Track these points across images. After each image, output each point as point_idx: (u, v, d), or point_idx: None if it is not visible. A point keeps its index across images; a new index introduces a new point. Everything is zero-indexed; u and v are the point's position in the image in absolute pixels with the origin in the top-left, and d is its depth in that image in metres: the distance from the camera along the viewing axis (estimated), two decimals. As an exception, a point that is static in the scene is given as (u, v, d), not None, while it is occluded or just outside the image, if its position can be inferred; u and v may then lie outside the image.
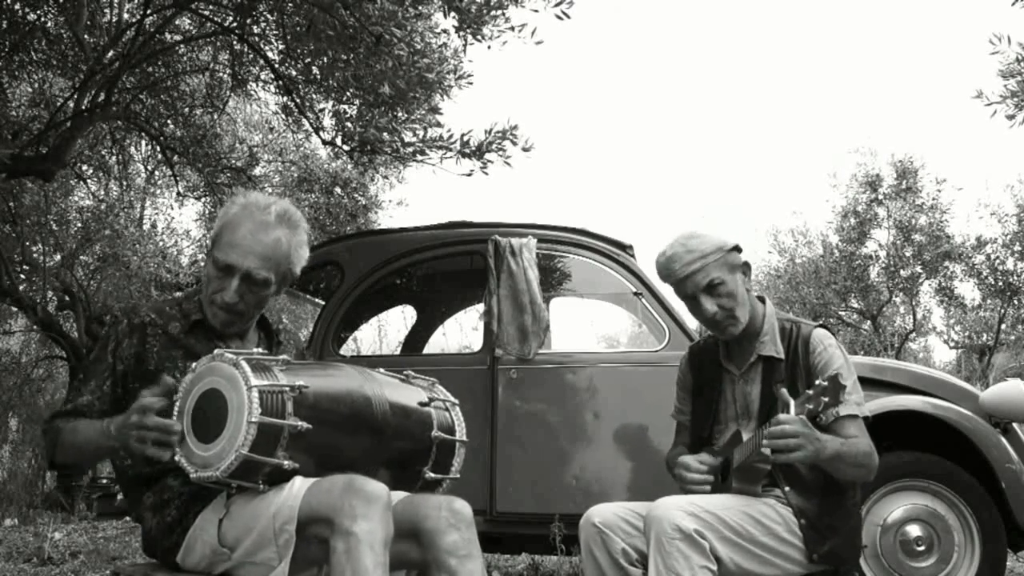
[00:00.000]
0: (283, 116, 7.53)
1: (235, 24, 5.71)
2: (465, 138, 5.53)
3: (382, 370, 2.08)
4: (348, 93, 5.63)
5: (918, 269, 13.27)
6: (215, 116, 7.61)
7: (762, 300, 2.35)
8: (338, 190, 10.40)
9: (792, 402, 1.97)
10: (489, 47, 4.90)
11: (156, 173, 10.57)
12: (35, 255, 8.81)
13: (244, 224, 1.95)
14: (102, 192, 9.85)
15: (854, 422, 2.15)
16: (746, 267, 2.31)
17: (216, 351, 1.74)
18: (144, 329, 1.99)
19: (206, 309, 2.02)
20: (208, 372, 1.73)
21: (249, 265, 1.93)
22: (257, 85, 7.12)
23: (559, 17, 4.67)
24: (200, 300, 2.05)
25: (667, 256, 2.27)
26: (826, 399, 1.91)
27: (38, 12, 6.01)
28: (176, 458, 1.71)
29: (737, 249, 2.29)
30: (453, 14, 4.69)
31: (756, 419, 2.24)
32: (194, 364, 1.77)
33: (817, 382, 1.95)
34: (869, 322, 14.39)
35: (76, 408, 1.93)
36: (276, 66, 5.85)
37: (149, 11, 5.75)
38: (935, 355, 18.59)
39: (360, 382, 1.91)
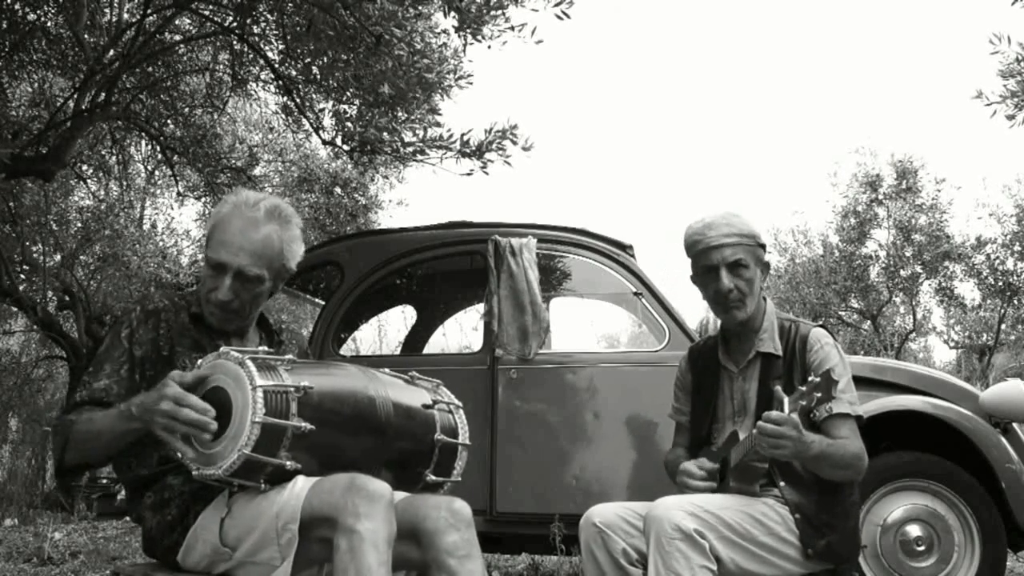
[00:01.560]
0: (283, 116, 7.53)
1: (235, 24, 5.71)
2: (465, 138, 5.53)
3: (387, 371, 2.08)
4: (348, 93, 5.63)
5: (918, 269, 13.27)
6: (215, 116, 7.61)
7: (764, 299, 2.37)
8: (338, 190, 10.40)
9: (786, 399, 1.99)
10: (489, 47, 4.90)
11: (156, 173, 10.57)
12: (35, 255, 8.81)
13: (234, 222, 1.95)
14: (102, 192, 9.85)
15: (846, 423, 2.16)
16: (766, 266, 2.34)
17: (222, 348, 1.74)
18: (158, 315, 2.00)
19: (203, 307, 2.02)
20: (213, 369, 1.73)
21: (240, 262, 1.93)
22: (257, 85, 7.13)
23: (559, 17, 4.67)
24: (200, 296, 2.06)
25: (705, 222, 2.28)
26: (819, 395, 1.93)
27: (38, 12, 6.01)
28: (179, 454, 1.71)
29: (764, 248, 2.32)
30: (453, 14, 4.69)
31: (753, 416, 2.25)
32: (200, 361, 1.77)
33: (810, 378, 1.97)
34: (869, 322, 14.39)
35: (92, 395, 1.88)
36: (276, 66, 5.85)
37: (149, 11, 5.75)
38: (935, 355, 18.60)
39: (364, 383, 1.91)
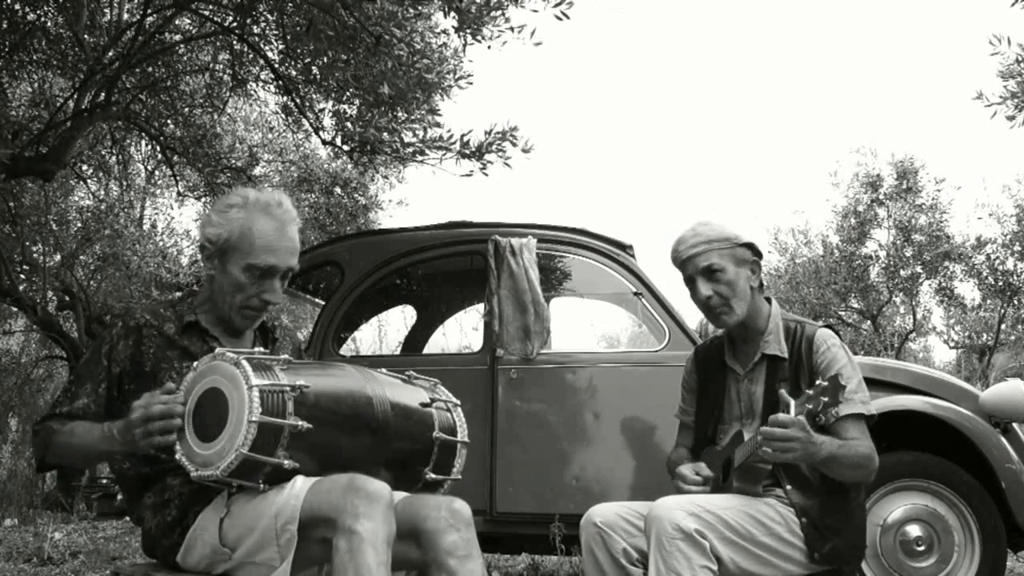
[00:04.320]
0: (283, 116, 7.53)
1: (235, 24, 5.71)
2: (465, 139, 5.53)
3: (384, 370, 2.08)
4: (348, 93, 5.63)
5: (918, 269, 13.26)
6: (215, 116, 7.61)
7: (768, 300, 2.36)
8: (338, 190, 10.41)
9: (792, 402, 1.98)
10: (489, 47, 4.91)
11: (156, 173, 10.57)
12: (35, 255, 8.81)
13: (269, 225, 1.97)
14: (102, 192, 9.85)
15: (856, 424, 2.15)
16: (755, 265, 2.32)
17: (218, 350, 1.75)
18: (140, 331, 1.99)
19: (233, 316, 2.02)
20: (209, 371, 1.73)
21: (289, 263, 2.00)
22: (257, 85, 7.13)
23: (559, 17, 4.67)
24: (192, 303, 2.07)
25: (677, 238, 2.32)
26: (825, 399, 1.92)
27: (38, 12, 6.01)
28: (177, 456, 1.71)
29: (750, 247, 2.30)
30: (453, 14, 4.69)
31: (759, 418, 2.25)
32: (195, 363, 1.78)
33: (817, 382, 1.96)
34: (869, 322, 14.38)
35: (72, 412, 1.92)
36: (276, 66, 5.85)
37: (149, 11, 5.75)
38: (935, 355, 18.59)
39: (361, 382, 1.91)
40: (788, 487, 2.16)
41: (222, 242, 1.97)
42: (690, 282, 2.30)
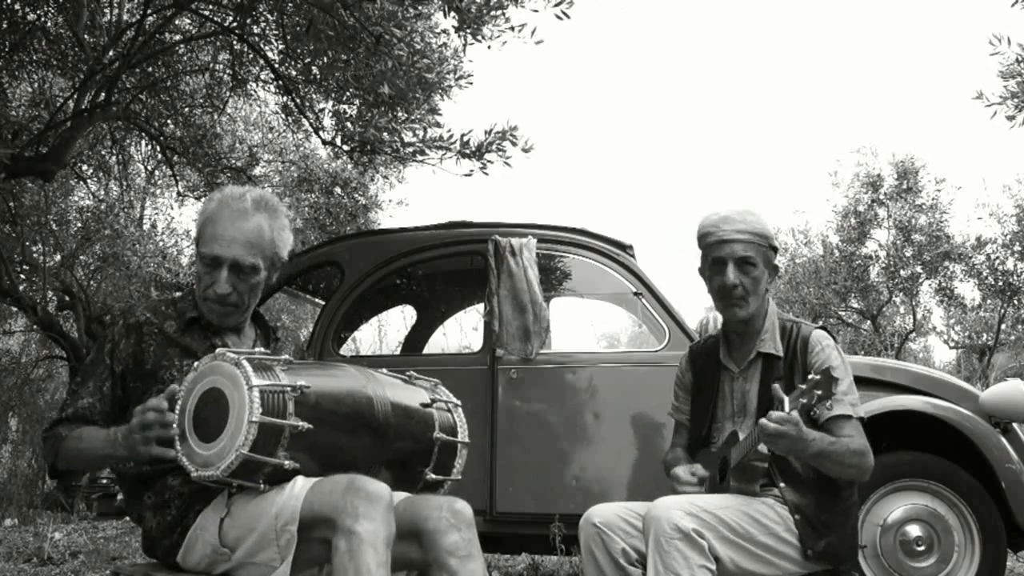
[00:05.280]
0: (283, 116, 7.53)
1: (235, 24, 5.71)
2: (465, 138, 5.53)
3: (384, 371, 2.09)
4: (348, 93, 5.63)
5: (918, 269, 13.26)
6: (215, 116, 7.61)
7: (766, 300, 2.36)
8: (338, 190, 10.41)
9: (786, 398, 1.99)
10: (489, 47, 4.90)
11: (156, 173, 10.56)
12: (35, 255, 8.81)
13: (223, 215, 1.98)
14: (102, 192, 9.84)
15: (850, 423, 2.16)
16: (774, 269, 2.34)
17: (218, 350, 1.75)
18: (140, 329, 2.00)
19: (201, 307, 2.03)
20: (210, 371, 1.74)
21: (235, 254, 1.96)
22: (257, 85, 7.13)
23: (559, 17, 4.67)
24: (194, 299, 2.07)
25: (721, 216, 2.28)
26: (819, 392, 1.93)
27: (38, 12, 6.01)
28: (177, 456, 1.72)
29: (776, 252, 2.32)
30: (453, 14, 4.69)
31: (754, 417, 2.25)
32: (196, 363, 1.78)
33: (810, 376, 1.97)
34: (869, 322, 14.38)
35: (77, 412, 1.93)
36: (276, 66, 5.85)
37: (149, 11, 5.74)
38: (935, 355, 18.57)
39: (362, 382, 1.92)
40: (782, 484, 2.17)
41: (196, 231, 2.04)
42: (718, 263, 2.26)
